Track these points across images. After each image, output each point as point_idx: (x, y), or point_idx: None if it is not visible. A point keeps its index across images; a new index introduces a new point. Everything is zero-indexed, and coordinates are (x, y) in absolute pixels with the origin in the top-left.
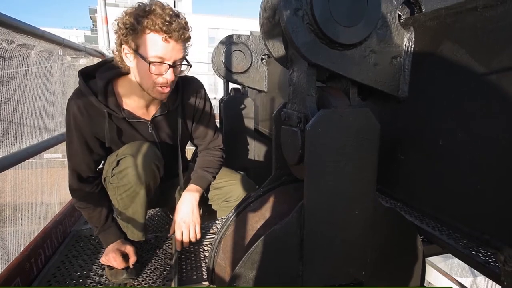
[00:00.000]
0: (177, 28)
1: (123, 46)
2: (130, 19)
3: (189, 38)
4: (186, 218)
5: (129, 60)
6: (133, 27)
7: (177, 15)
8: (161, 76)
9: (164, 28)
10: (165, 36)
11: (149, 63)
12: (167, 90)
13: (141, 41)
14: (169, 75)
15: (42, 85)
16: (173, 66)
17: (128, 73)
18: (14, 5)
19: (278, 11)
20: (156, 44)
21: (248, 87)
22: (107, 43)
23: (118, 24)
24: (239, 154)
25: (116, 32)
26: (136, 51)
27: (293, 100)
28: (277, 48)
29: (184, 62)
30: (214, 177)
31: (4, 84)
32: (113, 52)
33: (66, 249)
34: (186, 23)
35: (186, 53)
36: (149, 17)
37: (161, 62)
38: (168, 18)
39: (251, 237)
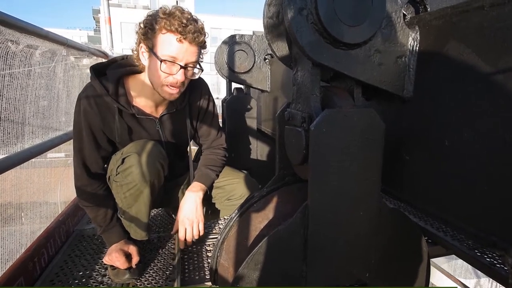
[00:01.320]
0: (192, 30)
1: (141, 44)
2: (150, 19)
3: (203, 42)
4: (189, 215)
5: (144, 58)
6: (152, 26)
7: (195, 20)
8: (171, 75)
9: (179, 29)
10: (180, 37)
11: (161, 61)
12: (176, 91)
13: (157, 40)
14: (179, 76)
15: (45, 85)
16: (185, 67)
17: (139, 72)
18: (15, 5)
19: (282, 10)
20: (170, 44)
21: (251, 87)
22: (110, 43)
23: (139, 24)
24: (242, 154)
25: (137, 32)
26: (151, 50)
27: (297, 99)
28: (281, 48)
29: (197, 66)
30: (218, 175)
31: (6, 84)
32: (132, 51)
33: (69, 248)
34: (202, 28)
35: (201, 59)
36: (168, 19)
37: (173, 62)
38: (185, 21)
39: (254, 238)
